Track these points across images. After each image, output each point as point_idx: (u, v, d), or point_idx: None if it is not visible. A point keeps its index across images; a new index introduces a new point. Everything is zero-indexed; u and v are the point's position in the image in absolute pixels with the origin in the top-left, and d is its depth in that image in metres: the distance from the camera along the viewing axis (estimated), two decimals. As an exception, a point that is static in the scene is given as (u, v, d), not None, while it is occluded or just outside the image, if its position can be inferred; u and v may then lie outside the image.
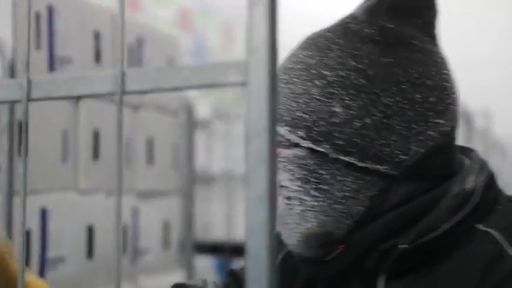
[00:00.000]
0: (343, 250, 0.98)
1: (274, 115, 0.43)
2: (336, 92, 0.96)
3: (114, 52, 1.91)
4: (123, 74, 0.51)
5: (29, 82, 0.55)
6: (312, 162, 0.97)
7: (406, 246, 0.95)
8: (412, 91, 0.95)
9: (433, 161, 0.96)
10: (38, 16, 1.63)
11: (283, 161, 0.98)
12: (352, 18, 1.01)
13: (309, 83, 0.97)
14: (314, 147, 0.97)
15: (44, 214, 1.66)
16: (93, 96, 0.56)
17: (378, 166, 0.95)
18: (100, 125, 1.88)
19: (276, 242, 0.55)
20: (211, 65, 0.46)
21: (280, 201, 0.99)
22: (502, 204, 0.99)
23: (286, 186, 0.98)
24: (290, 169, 0.98)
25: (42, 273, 1.63)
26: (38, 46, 1.63)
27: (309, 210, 0.98)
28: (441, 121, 0.96)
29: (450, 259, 0.95)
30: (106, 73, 0.53)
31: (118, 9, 0.57)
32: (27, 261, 1.56)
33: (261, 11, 0.42)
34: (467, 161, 1.01)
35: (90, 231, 1.81)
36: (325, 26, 1.02)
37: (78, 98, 1.72)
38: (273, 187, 0.46)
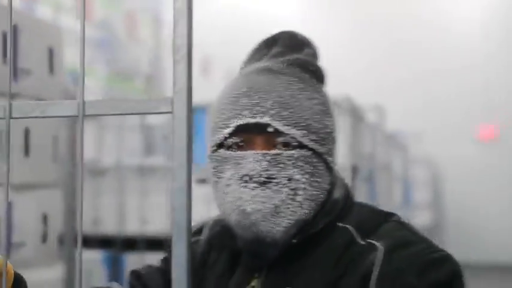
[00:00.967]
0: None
1: (191, 132, 0.65)
2: (325, 110, 1.30)
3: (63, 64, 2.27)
4: (84, 103, 0.71)
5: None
6: (315, 160, 1.26)
7: (295, 240, 1.27)
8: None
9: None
10: (4, 34, 1.98)
11: (292, 159, 1.23)
12: (303, 60, 1.34)
13: (310, 101, 1.27)
14: (318, 148, 1.26)
15: None
16: (59, 117, 0.78)
17: (332, 165, 1.31)
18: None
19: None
20: (149, 99, 0.69)
21: (284, 192, 1.22)
22: (354, 208, 1.33)
23: (296, 179, 1.24)
24: (300, 165, 1.24)
25: None
26: (4, 60, 1.99)
27: (308, 199, 1.25)
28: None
29: (320, 247, 1.27)
30: (71, 101, 0.73)
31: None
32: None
33: (183, 67, 0.66)
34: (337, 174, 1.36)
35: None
36: (269, 63, 1.33)
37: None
38: (189, 181, 0.66)
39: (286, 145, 1.24)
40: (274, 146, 1.24)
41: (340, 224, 1.29)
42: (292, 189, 1.23)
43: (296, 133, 1.24)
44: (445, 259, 1.22)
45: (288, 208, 1.24)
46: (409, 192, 8.07)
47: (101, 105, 0.71)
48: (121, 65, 7.87)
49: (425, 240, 1.26)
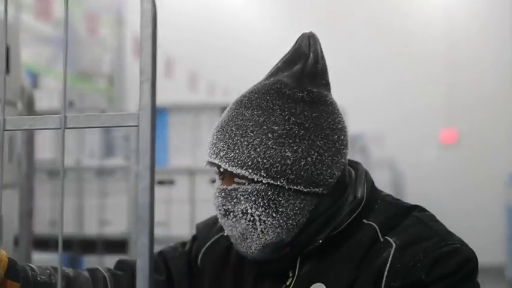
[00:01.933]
0: (289, 250, 1.39)
1: (154, 141, 0.79)
2: (285, 141, 1.34)
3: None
4: (65, 117, 0.85)
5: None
6: (271, 192, 1.35)
7: (320, 241, 1.37)
8: (332, 134, 1.36)
9: (341, 178, 1.40)
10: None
11: (246, 194, 1.34)
12: (283, 84, 1.39)
13: (263, 136, 1.34)
14: (273, 182, 1.34)
15: None
16: (44, 129, 0.91)
17: (316, 189, 1.36)
18: None
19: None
20: (119, 114, 0.82)
21: (243, 223, 1.35)
22: (379, 203, 1.42)
23: (250, 213, 1.35)
24: (253, 200, 1.35)
25: None
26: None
27: (269, 227, 1.36)
28: (346, 150, 1.39)
29: (347, 244, 1.38)
30: (56, 116, 0.88)
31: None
32: None
33: (147, 86, 0.79)
34: (353, 173, 1.45)
35: None
36: (254, 88, 1.41)
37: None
38: (152, 182, 0.79)
39: (239, 183, 1.35)
40: (232, 181, 1.37)
41: (366, 221, 1.39)
42: (249, 221, 1.35)
43: (244, 172, 1.33)
44: (454, 252, 1.31)
45: (253, 235, 1.36)
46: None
47: (79, 119, 0.85)
48: (82, 64, 7.81)
49: (439, 234, 1.35)
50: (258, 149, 1.34)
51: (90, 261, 3.54)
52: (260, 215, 1.35)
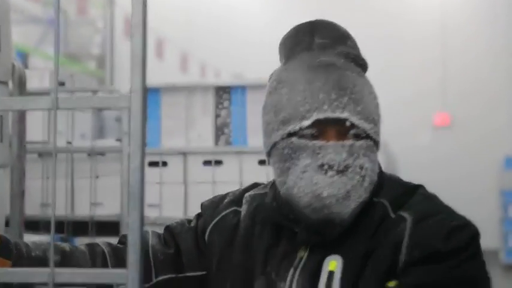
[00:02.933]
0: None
1: (145, 123, 0.81)
2: (378, 103, 1.47)
3: None
4: (57, 98, 0.86)
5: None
6: (375, 149, 1.44)
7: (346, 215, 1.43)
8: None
9: None
10: None
11: (363, 149, 1.39)
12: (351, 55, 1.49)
13: (371, 95, 1.45)
14: (378, 139, 1.44)
15: None
16: (36, 109, 0.91)
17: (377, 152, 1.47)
18: None
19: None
20: (111, 96, 0.84)
21: (356, 179, 1.38)
22: (385, 182, 1.50)
23: (366, 167, 1.40)
24: (368, 154, 1.40)
25: None
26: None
27: (370, 183, 1.42)
28: None
29: (360, 221, 1.44)
30: (47, 97, 0.87)
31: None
32: None
33: (138, 70, 0.81)
34: None
35: None
36: (324, 58, 1.46)
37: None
38: (143, 162, 0.81)
39: (356, 136, 1.40)
40: (345, 137, 1.40)
41: (376, 199, 1.47)
42: (361, 176, 1.40)
43: (367, 126, 1.41)
44: (464, 226, 1.41)
45: (357, 192, 1.39)
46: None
47: (71, 100, 0.86)
48: (71, 45, 7.77)
49: (447, 210, 1.45)
50: (372, 105, 1.44)
51: (82, 242, 3.55)
52: (370, 170, 1.41)
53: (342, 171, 1.38)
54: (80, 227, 3.58)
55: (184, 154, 3.67)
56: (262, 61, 11.54)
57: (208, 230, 1.58)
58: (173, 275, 1.57)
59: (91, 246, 1.54)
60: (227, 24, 11.37)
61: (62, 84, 3.81)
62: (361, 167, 1.40)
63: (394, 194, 1.47)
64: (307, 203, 1.40)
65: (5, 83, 2.24)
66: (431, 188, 1.55)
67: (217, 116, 3.64)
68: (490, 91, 10.45)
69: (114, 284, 0.79)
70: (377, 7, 11.14)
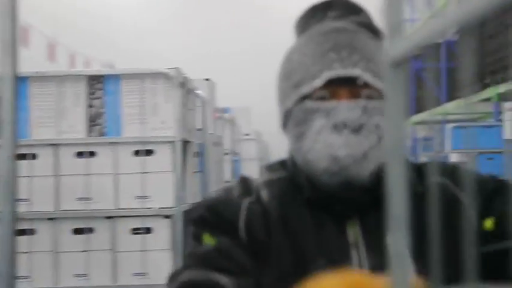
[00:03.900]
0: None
1: (15, 110, 0.85)
2: None
3: None
4: None
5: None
6: None
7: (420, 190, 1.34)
8: None
9: None
10: None
11: (377, 108, 1.34)
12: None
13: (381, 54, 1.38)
14: None
15: None
16: None
17: None
18: None
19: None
20: None
21: (372, 138, 1.34)
22: None
23: (381, 127, 1.35)
24: (382, 114, 1.34)
25: None
26: None
27: (384, 145, 1.21)
28: None
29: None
30: None
31: None
32: None
33: (9, 60, 0.83)
34: None
35: None
36: (335, 23, 1.44)
37: None
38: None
39: (369, 97, 1.35)
40: (357, 97, 1.35)
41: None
42: (378, 136, 1.35)
43: (379, 85, 1.36)
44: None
45: (374, 153, 1.34)
46: (238, 166, 8.20)
47: None
48: None
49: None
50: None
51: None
52: (385, 131, 1.33)
53: (356, 130, 1.33)
54: None
55: (55, 146, 3.55)
56: (134, 50, 11.41)
57: (241, 231, 1.40)
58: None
59: None
60: (97, 12, 11.13)
61: None
62: (377, 127, 1.35)
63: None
64: (324, 167, 1.34)
65: None
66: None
67: (89, 106, 3.53)
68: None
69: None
70: (247, 5, 11.20)
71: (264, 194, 1.44)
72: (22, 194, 3.39)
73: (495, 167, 4.79)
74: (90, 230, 3.50)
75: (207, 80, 5.05)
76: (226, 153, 6.64)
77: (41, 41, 9.31)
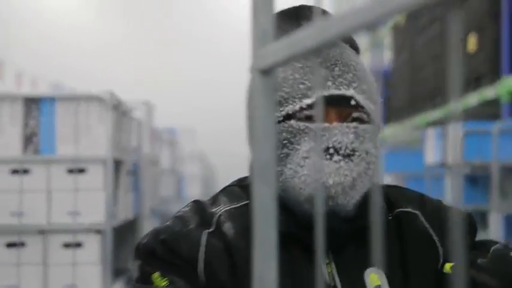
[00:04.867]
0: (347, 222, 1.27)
1: None
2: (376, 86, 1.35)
3: None
4: None
5: None
6: (378, 135, 1.30)
7: (390, 217, 1.34)
8: None
9: None
10: None
11: (368, 133, 1.26)
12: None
13: (371, 76, 1.32)
14: (380, 123, 1.31)
15: None
16: None
17: None
18: None
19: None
20: None
21: (362, 165, 1.24)
22: None
23: (371, 153, 1.26)
24: (373, 139, 1.27)
25: None
26: None
27: (374, 173, 1.26)
28: None
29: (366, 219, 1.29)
30: None
31: None
32: None
33: None
34: None
35: None
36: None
37: None
38: None
39: (359, 120, 1.25)
40: (346, 120, 1.25)
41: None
42: (367, 163, 1.24)
43: (371, 108, 1.26)
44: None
45: (362, 181, 1.24)
46: (182, 185, 8.36)
47: None
48: None
49: (420, 193, 1.43)
50: (375, 88, 1.30)
51: None
52: (376, 157, 1.26)
53: (348, 156, 1.22)
54: None
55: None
56: (82, 70, 11.49)
57: (200, 272, 1.25)
58: None
59: None
60: (46, 32, 11.23)
61: None
62: (367, 152, 1.24)
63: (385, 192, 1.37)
64: (309, 194, 1.22)
65: None
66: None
67: (25, 125, 3.71)
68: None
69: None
70: (190, 13, 11.37)
71: (227, 227, 1.27)
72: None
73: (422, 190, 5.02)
74: (22, 244, 3.66)
75: (145, 101, 5.24)
76: (167, 172, 6.82)
77: (12, 73, 9.36)
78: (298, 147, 1.24)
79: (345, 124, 1.24)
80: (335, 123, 1.23)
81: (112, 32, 11.24)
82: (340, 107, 1.25)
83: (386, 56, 7.14)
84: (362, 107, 1.26)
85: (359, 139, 1.24)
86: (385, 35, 7.01)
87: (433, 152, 4.83)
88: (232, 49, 11.14)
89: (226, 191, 1.36)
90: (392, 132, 6.66)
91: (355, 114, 1.25)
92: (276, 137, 1.20)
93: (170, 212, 5.51)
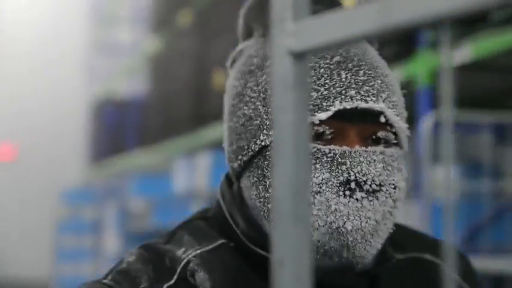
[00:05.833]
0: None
1: None
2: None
3: None
4: None
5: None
6: (404, 162, 0.99)
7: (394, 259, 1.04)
8: None
9: None
10: None
11: (395, 161, 0.95)
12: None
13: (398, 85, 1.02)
14: (406, 148, 0.99)
15: None
16: None
17: None
18: None
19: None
20: None
21: (389, 203, 0.94)
22: None
23: (399, 187, 0.95)
24: (401, 168, 0.96)
25: None
26: None
27: (399, 209, 0.97)
28: None
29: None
30: None
31: None
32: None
33: None
34: None
35: None
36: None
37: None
38: None
39: (384, 142, 0.96)
40: (367, 142, 0.95)
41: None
42: (394, 200, 0.95)
43: (402, 127, 0.96)
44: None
45: (386, 225, 0.95)
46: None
47: None
48: None
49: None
50: (402, 101, 1.00)
51: None
52: (403, 193, 0.97)
53: (373, 192, 0.93)
54: None
55: None
56: None
57: None
58: None
59: None
60: None
61: None
62: (395, 187, 0.95)
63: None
64: (319, 243, 0.93)
65: None
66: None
67: None
68: (53, 121, 10.53)
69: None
70: None
71: (202, 279, 0.96)
72: None
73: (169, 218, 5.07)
74: None
75: None
76: None
77: None
78: None
79: (370, 149, 0.94)
80: (357, 147, 0.93)
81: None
82: (363, 124, 0.94)
83: (141, 83, 7.19)
84: (390, 125, 0.95)
85: (387, 169, 0.94)
86: (141, 63, 7.07)
87: (182, 179, 4.92)
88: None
89: (189, 227, 1.02)
90: (145, 157, 6.70)
91: (380, 134, 0.95)
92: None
93: None
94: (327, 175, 0.92)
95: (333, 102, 0.93)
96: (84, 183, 8.79)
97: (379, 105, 0.94)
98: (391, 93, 0.96)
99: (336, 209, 0.92)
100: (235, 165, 0.99)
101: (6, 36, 10.48)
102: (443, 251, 1.03)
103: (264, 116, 0.95)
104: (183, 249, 0.98)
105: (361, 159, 0.92)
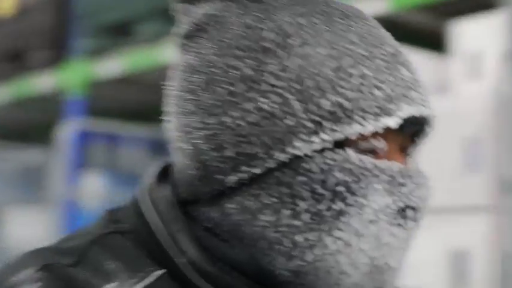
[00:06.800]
0: None
1: None
2: None
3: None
4: None
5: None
6: None
7: None
8: None
9: None
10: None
11: (417, 175, 0.75)
12: None
13: None
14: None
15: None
16: None
17: None
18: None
19: None
20: None
21: (412, 232, 0.74)
22: None
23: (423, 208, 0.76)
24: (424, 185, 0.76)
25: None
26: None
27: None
28: None
29: None
30: None
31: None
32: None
33: None
34: None
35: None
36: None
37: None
38: None
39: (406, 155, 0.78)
40: (403, 157, 0.77)
41: None
42: (416, 222, 0.77)
43: (424, 138, 0.80)
44: None
45: (403, 256, 0.77)
46: None
47: None
48: None
49: None
50: None
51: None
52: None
53: (414, 219, 0.75)
54: None
55: None
56: None
57: None
58: None
59: None
60: None
61: None
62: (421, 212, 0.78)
63: None
64: (354, 281, 0.73)
65: None
66: None
67: None
68: None
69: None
70: None
71: None
72: None
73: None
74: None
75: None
76: None
77: None
78: (364, 201, 0.72)
79: (417, 166, 0.78)
80: (410, 166, 0.77)
81: None
82: (402, 133, 0.76)
83: None
84: (421, 137, 0.79)
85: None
86: None
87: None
88: None
89: (106, 244, 0.74)
90: None
91: (410, 148, 0.79)
92: (339, 179, 0.72)
93: None
94: (387, 200, 0.73)
95: (399, 105, 0.73)
96: None
97: (429, 111, 0.77)
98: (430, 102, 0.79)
99: (388, 243, 0.73)
100: (231, 178, 0.73)
101: None
102: None
103: (302, 115, 0.71)
104: (112, 285, 0.70)
105: (419, 180, 0.75)
